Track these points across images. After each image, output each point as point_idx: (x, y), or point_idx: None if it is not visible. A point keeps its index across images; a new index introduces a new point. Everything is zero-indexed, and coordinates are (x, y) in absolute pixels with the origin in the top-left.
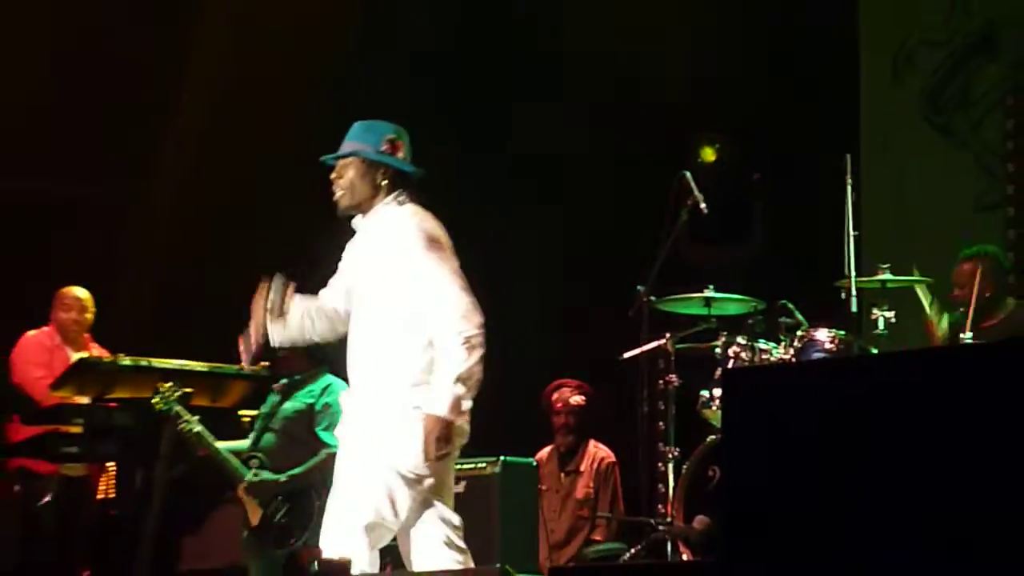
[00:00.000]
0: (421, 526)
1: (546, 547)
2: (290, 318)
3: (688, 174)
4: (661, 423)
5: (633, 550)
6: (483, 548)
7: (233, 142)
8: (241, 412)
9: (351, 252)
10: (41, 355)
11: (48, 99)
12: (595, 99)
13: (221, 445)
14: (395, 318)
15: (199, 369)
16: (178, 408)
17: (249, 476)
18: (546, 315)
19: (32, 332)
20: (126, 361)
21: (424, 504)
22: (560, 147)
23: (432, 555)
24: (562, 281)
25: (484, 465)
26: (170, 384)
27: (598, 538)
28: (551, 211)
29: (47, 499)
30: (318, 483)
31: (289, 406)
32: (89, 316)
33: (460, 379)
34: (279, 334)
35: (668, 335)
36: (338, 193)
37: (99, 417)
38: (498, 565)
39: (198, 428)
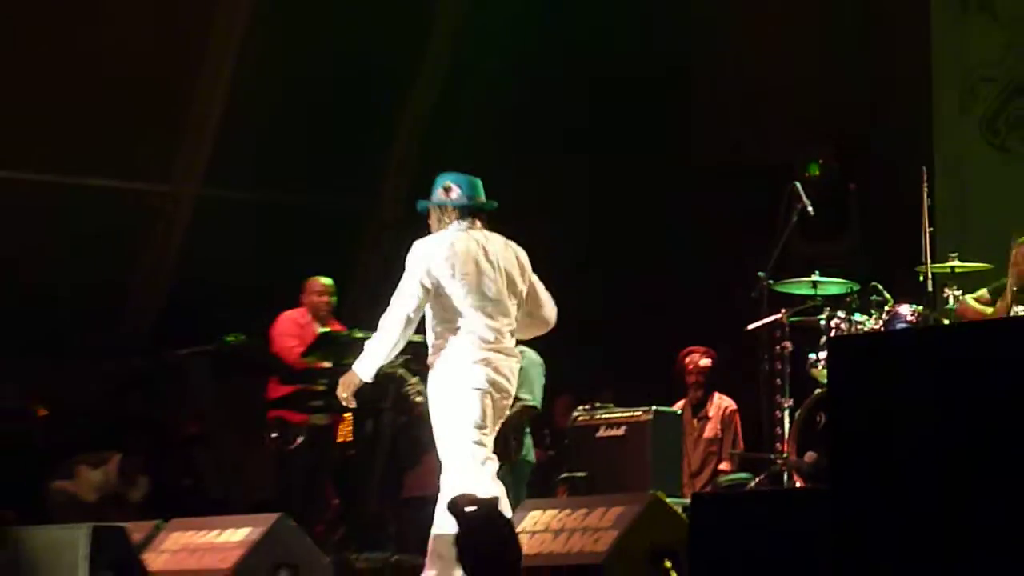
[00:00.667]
0: None
1: (685, 475)
2: None
3: (798, 184)
4: (778, 380)
5: (757, 479)
6: (638, 479)
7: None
8: None
9: None
10: (294, 329)
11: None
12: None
13: None
14: None
15: (416, 339)
16: (401, 372)
17: None
18: (685, 294)
19: (287, 312)
20: (359, 334)
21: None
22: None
23: None
24: (700, 267)
25: (639, 413)
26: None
27: (724, 468)
28: (693, 215)
29: (298, 443)
30: (514, 429)
31: None
32: (332, 299)
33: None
34: None
35: (783, 310)
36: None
37: (338, 378)
38: (651, 491)
39: (418, 387)
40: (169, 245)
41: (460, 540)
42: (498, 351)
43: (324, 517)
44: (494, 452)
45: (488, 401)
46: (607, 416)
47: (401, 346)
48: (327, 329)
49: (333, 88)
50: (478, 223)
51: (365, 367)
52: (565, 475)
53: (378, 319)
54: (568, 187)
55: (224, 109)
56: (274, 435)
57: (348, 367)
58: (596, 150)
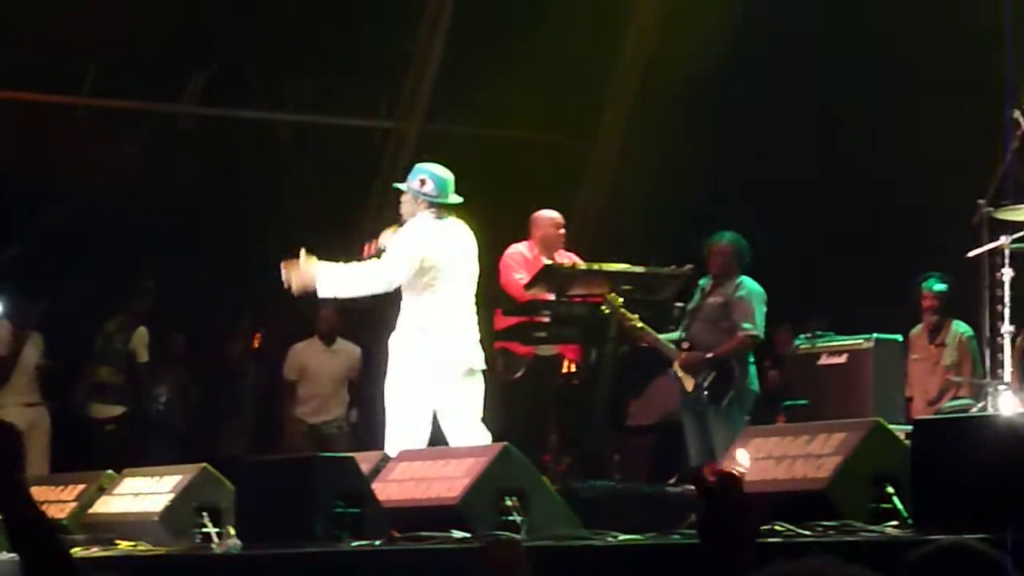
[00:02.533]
0: None
1: (922, 403)
2: None
3: (1017, 111)
4: (999, 306)
5: (979, 404)
6: (859, 406)
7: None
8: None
9: None
10: (522, 262)
11: None
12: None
13: (660, 336)
14: None
15: (637, 271)
16: (621, 310)
17: (682, 355)
18: (903, 222)
19: (515, 244)
20: (582, 266)
21: None
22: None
23: None
24: (916, 194)
25: (860, 341)
26: (613, 293)
27: (963, 395)
28: (910, 143)
29: (521, 373)
30: (738, 358)
31: (711, 300)
32: (560, 232)
33: None
34: None
35: (1003, 237)
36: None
37: (562, 309)
38: (872, 418)
39: (638, 324)
40: (391, 181)
41: (701, 510)
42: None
43: (549, 446)
44: (717, 380)
45: None
46: (828, 344)
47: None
48: (550, 261)
49: (547, 23)
50: (443, 214)
51: (325, 285)
52: (787, 403)
53: (599, 250)
54: (791, 124)
55: (445, 46)
56: (498, 364)
57: (571, 299)
58: (815, 87)
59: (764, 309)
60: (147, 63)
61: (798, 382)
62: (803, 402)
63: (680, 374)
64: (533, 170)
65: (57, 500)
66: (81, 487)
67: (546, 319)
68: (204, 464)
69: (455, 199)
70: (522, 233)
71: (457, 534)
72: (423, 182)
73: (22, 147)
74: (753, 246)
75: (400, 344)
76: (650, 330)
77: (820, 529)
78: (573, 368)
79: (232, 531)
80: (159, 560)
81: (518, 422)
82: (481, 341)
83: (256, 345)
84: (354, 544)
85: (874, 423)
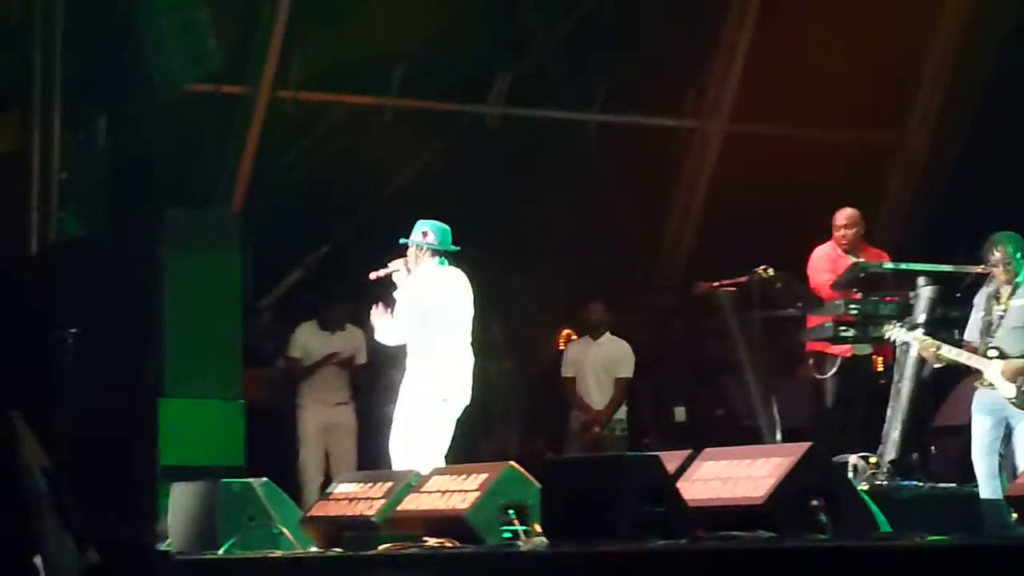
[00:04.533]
0: None
1: None
2: None
3: None
4: None
5: None
6: None
7: None
8: None
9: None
10: (826, 263)
11: None
12: None
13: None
14: None
15: (945, 269)
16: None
17: (1002, 363)
18: None
19: (821, 246)
20: (888, 264)
21: None
22: None
23: None
24: None
25: None
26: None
27: None
28: None
29: (831, 372)
30: None
31: (1018, 304)
32: (853, 231)
33: None
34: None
35: None
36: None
37: (868, 308)
38: None
39: (937, 349)
40: (699, 181)
41: None
42: None
43: (855, 446)
44: None
45: None
46: None
47: None
48: (858, 260)
49: (852, 19)
50: (446, 261)
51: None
52: None
53: (906, 247)
54: None
55: (750, 45)
56: (810, 363)
57: (880, 298)
58: None
59: None
60: (454, 64)
61: None
62: None
63: (999, 382)
64: (838, 168)
65: (366, 497)
66: (389, 484)
67: (853, 318)
68: (510, 462)
69: (453, 248)
70: (828, 233)
71: (764, 534)
72: (425, 234)
73: (331, 148)
74: None
75: (407, 384)
76: (947, 349)
77: None
78: (881, 367)
79: (538, 529)
80: (467, 557)
81: (826, 422)
82: (784, 343)
83: (560, 346)
84: (659, 543)
85: None
